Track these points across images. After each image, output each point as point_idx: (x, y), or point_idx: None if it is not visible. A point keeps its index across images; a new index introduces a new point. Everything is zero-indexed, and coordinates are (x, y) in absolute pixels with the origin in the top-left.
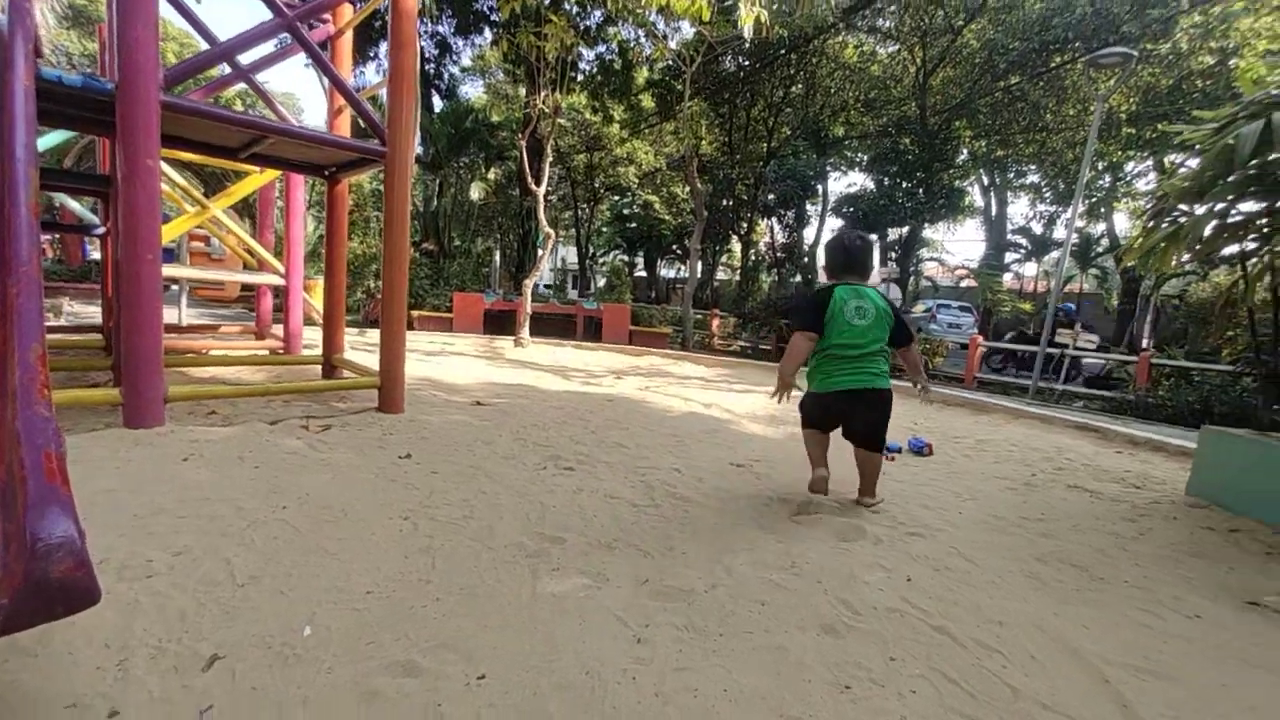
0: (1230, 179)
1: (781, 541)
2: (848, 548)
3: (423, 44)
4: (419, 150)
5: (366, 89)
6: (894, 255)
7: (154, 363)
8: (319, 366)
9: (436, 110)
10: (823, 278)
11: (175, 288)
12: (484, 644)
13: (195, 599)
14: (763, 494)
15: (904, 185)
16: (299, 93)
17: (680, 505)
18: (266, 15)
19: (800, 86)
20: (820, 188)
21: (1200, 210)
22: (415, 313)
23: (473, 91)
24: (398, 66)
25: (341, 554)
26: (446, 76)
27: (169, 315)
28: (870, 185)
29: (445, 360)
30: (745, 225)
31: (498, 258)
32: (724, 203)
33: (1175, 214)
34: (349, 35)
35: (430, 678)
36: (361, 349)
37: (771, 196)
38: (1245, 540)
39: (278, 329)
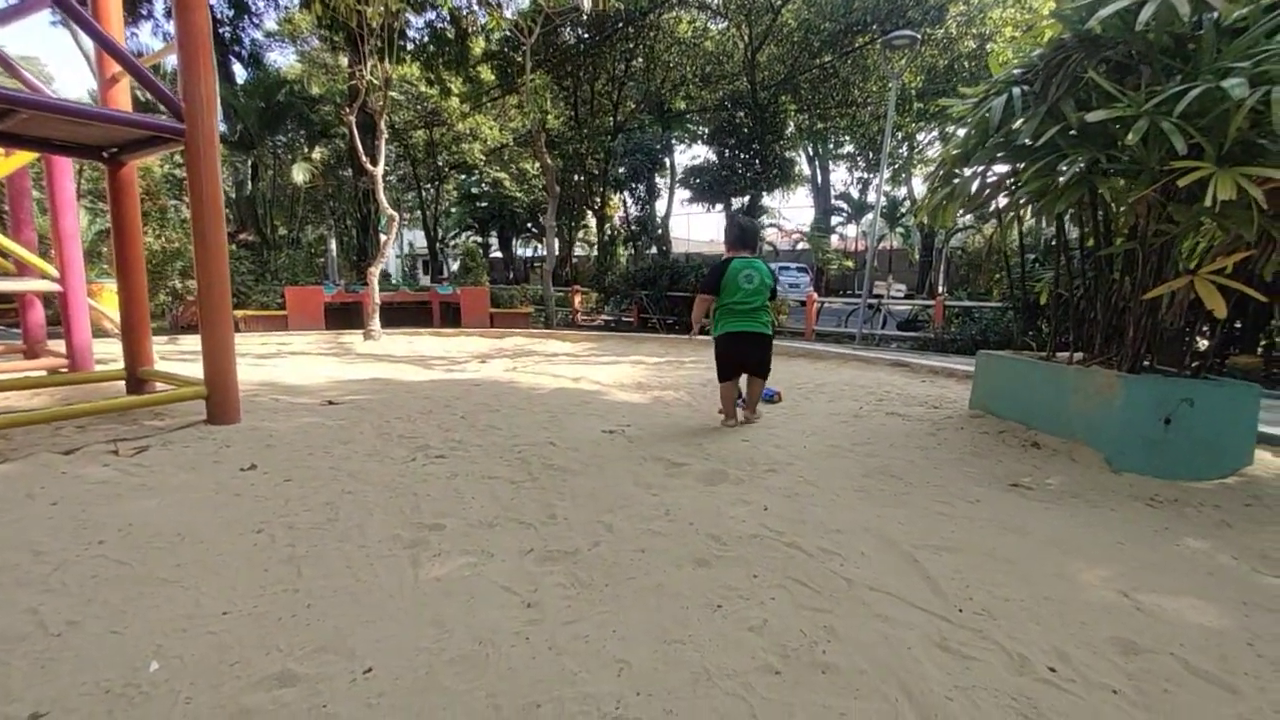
0: (986, 145)
1: (656, 495)
2: (713, 490)
3: (211, 1)
4: (222, 128)
5: (146, 56)
6: None
7: None
8: (121, 383)
9: (239, 81)
10: (677, 249)
11: None
12: (367, 639)
13: None
14: (635, 455)
15: (742, 156)
16: (44, 56)
17: (558, 476)
18: None
19: (641, 60)
20: (667, 160)
21: (968, 172)
22: (240, 313)
23: (283, 60)
24: (189, 30)
25: (184, 580)
26: (247, 42)
27: None
28: (713, 157)
29: (284, 361)
30: (599, 200)
31: (334, 246)
32: (575, 178)
33: (952, 176)
34: None
35: (310, 682)
36: (176, 359)
37: (622, 170)
38: (1009, 439)
39: (57, 344)
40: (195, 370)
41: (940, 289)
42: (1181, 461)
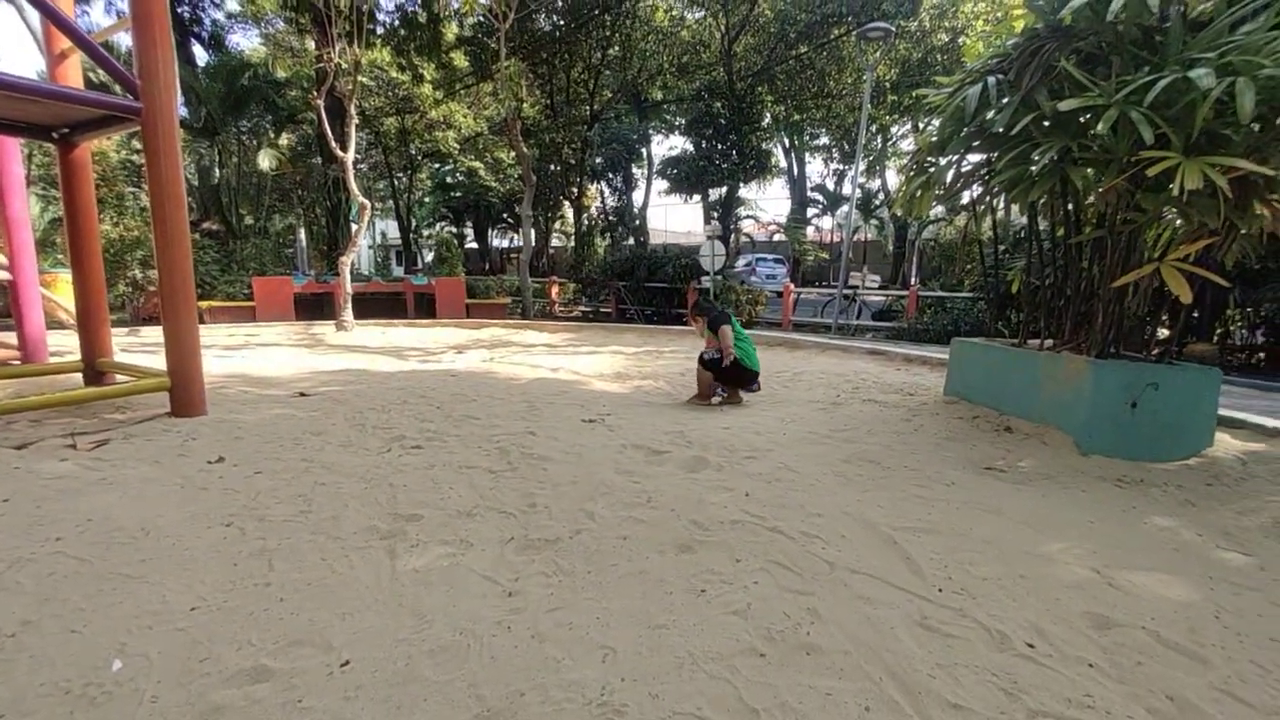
0: (961, 134)
1: (637, 482)
2: (695, 477)
3: None
4: (183, 112)
5: (97, 33)
6: (716, 214)
7: None
8: (78, 375)
9: (201, 64)
10: (654, 239)
11: None
12: (344, 631)
13: None
14: (616, 443)
15: (719, 147)
16: None
17: (537, 465)
18: None
19: (617, 49)
20: (645, 151)
21: (943, 161)
22: (205, 304)
23: (246, 43)
24: (145, 9)
25: (149, 576)
26: (208, 22)
27: None
28: (690, 148)
29: (253, 353)
30: (575, 190)
31: (303, 235)
32: (552, 168)
33: (927, 165)
34: None
35: (284, 677)
36: (138, 350)
37: (599, 160)
38: (982, 424)
39: (8, 337)
40: (158, 362)
41: (913, 280)
42: (1147, 443)
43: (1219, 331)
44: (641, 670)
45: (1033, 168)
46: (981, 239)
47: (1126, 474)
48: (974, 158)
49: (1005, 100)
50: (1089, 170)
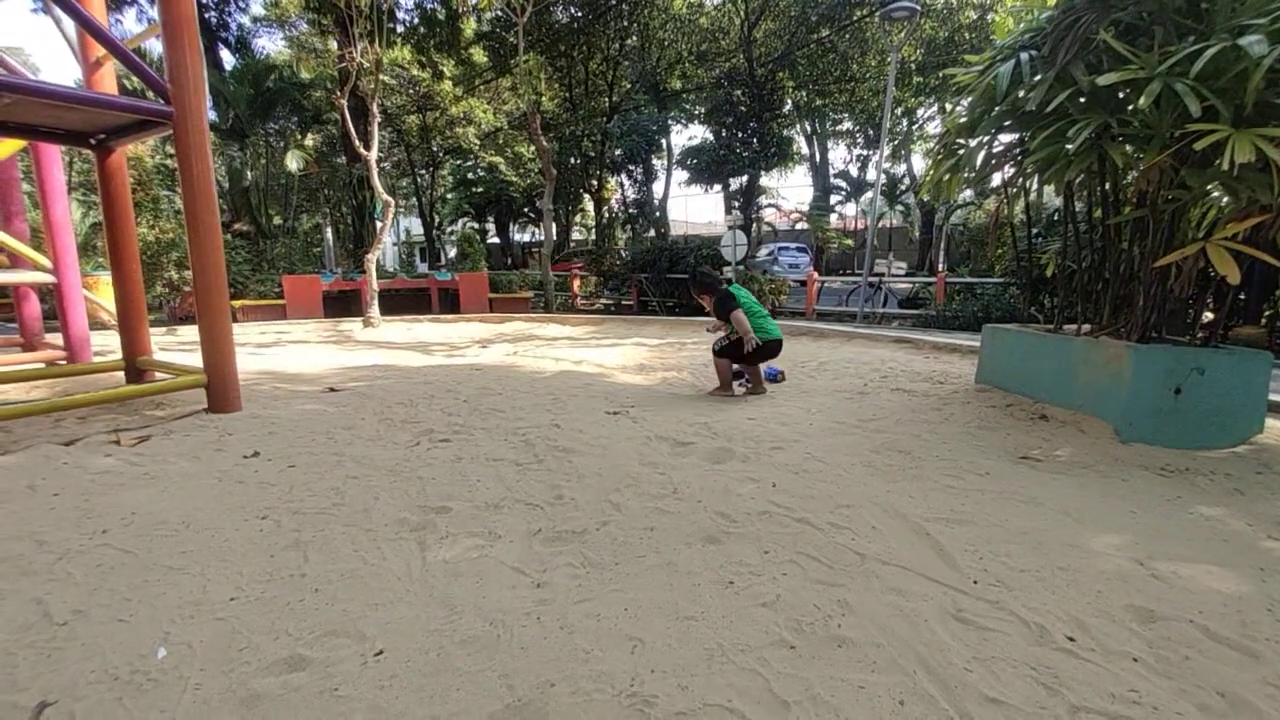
0: (993, 113)
1: (663, 474)
2: (721, 468)
3: None
4: (213, 116)
5: (129, 39)
6: (737, 204)
7: None
8: (120, 373)
9: (228, 68)
10: (675, 230)
11: None
12: (377, 622)
13: (1, 650)
14: (641, 435)
15: (739, 135)
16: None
17: (563, 457)
18: None
19: (635, 39)
20: (664, 142)
21: (973, 143)
22: (237, 303)
23: (271, 45)
24: (174, 11)
25: (190, 567)
26: (235, 27)
27: None
28: (710, 137)
29: (284, 350)
30: (596, 183)
31: (330, 234)
32: (572, 161)
33: (955, 147)
34: None
35: (320, 666)
36: (175, 349)
37: (618, 152)
38: (1017, 412)
39: (54, 337)
40: (194, 360)
41: (941, 266)
42: (1191, 431)
43: (1268, 314)
44: (671, 662)
45: (1069, 146)
46: (1014, 222)
47: (1170, 462)
48: (1005, 138)
49: (1039, 77)
50: (1128, 147)
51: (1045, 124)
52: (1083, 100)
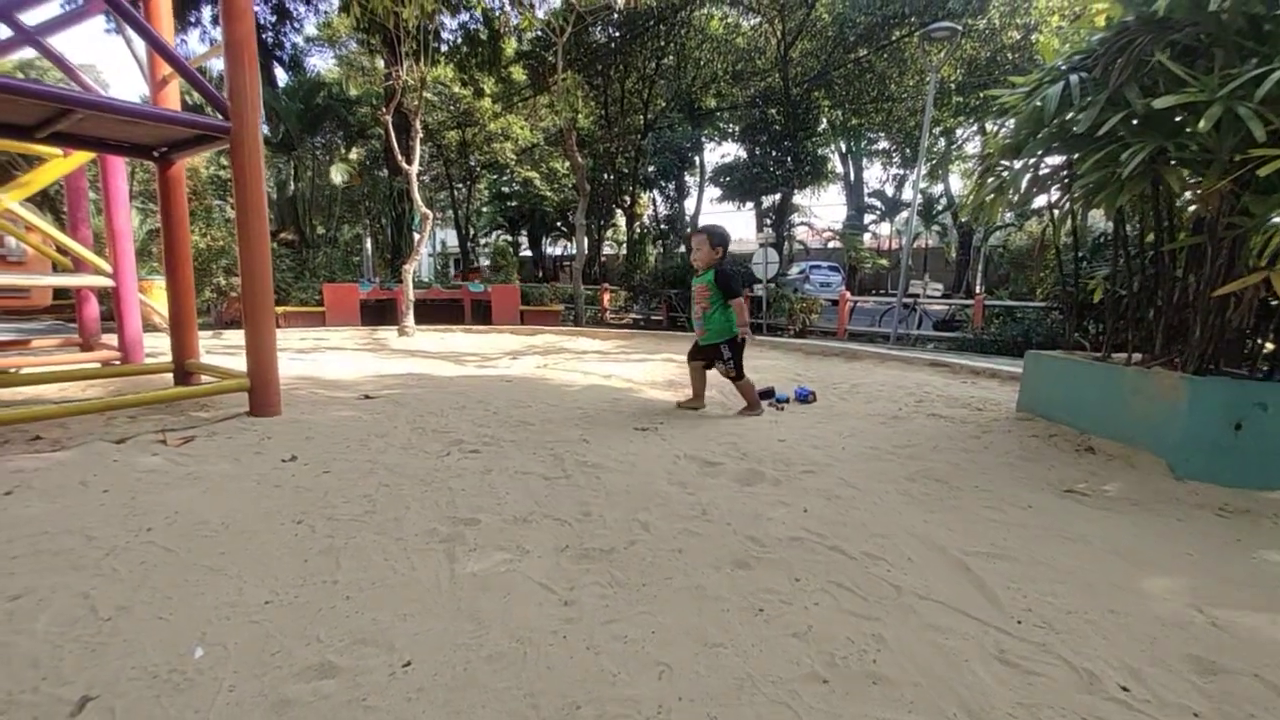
0: (1039, 136)
1: (691, 494)
2: (751, 491)
3: (256, 8)
4: (265, 130)
5: (193, 58)
6: (769, 222)
7: None
8: (169, 375)
9: (281, 85)
10: None
11: None
12: (405, 633)
13: (49, 642)
14: (669, 453)
15: (773, 154)
16: (100, 64)
17: (592, 473)
18: None
19: (671, 58)
20: (697, 159)
21: (1017, 165)
22: (280, 309)
23: (321, 64)
24: (236, 34)
25: (228, 569)
26: (289, 46)
27: None
28: (743, 155)
29: (322, 356)
30: (628, 199)
31: (369, 245)
32: (605, 177)
33: (1000, 169)
34: None
35: (349, 675)
36: (220, 353)
37: (651, 169)
38: (1060, 442)
39: (110, 339)
40: (238, 364)
41: (979, 288)
42: (1253, 470)
43: None
44: (699, 690)
45: (1121, 170)
46: (1059, 245)
47: (1229, 502)
48: (1052, 160)
49: (1088, 99)
50: (1185, 172)
51: (1096, 147)
52: (1135, 123)
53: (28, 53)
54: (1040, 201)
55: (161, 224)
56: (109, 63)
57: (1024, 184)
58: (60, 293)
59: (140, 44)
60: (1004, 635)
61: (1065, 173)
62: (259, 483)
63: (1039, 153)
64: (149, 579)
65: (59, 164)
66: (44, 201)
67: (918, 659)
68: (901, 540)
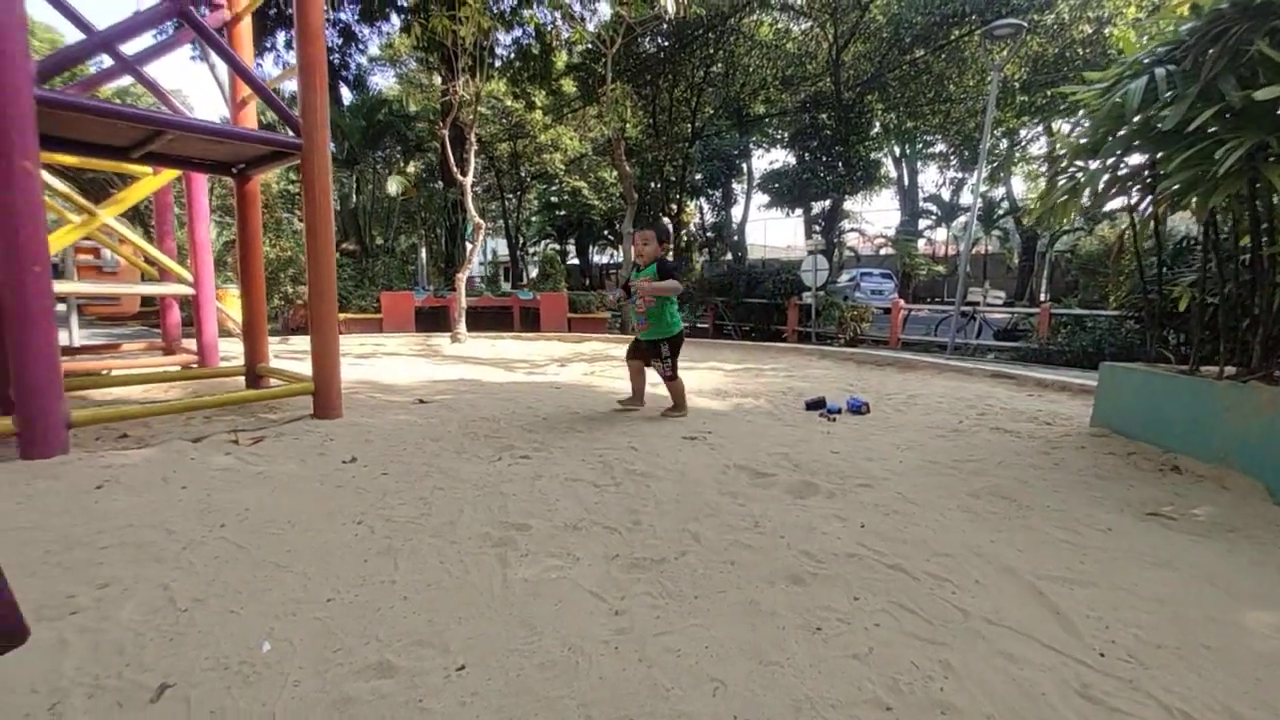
0: (1120, 134)
1: (743, 504)
2: (804, 504)
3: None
4: (331, 146)
5: (269, 81)
6: (819, 228)
7: (51, 385)
8: (242, 378)
9: (345, 103)
10: (753, 255)
11: (63, 306)
12: (460, 635)
13: (132, 630)
14: (719, 463)
15: (824, 159)
16: (185, 89)
17: (641, 481)
18: (140, 4)
19: (720, 66)
20: (745, 166)
21: (1094, 165)
22: (341, 316)
23: (383, 82)
24: (309, 57)
25: (294, 565)
26: (354, 66)
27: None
28: (792, 161)
29: (380, 361)
30: (675, 206)
31: (424, 254)
32: (653, 185)
33: (1073, 170)
34: (248, 21)
35: (407, 675)
36: (287, 357)
37: (699, 176)
38: (1141, 461)
39: (188, 343)
40: (303, 368)
41: (1043, 295)
42: None
43: None
44: (755, 709)
45: (1217, 168)
46: (1140, 250)
47: None
48: (1132, 160)
49: (1176, 93)
50: None
51: (1186, 144)
52: (1229, 118)
53: (122, 80)
54: (1117, 203)
55: (238, 235)
56: (190, 87)
57: (1101, 185)
58: (145, 300)
59: (222, 69)
60: (1085, 668)
61: (1148, 173)
62: (322, 483)
63: (1118, 152)
64: (222, 573)
65: (149, 181)
66: (134, 216)
67: (989, 689)
68: (966, 560)
